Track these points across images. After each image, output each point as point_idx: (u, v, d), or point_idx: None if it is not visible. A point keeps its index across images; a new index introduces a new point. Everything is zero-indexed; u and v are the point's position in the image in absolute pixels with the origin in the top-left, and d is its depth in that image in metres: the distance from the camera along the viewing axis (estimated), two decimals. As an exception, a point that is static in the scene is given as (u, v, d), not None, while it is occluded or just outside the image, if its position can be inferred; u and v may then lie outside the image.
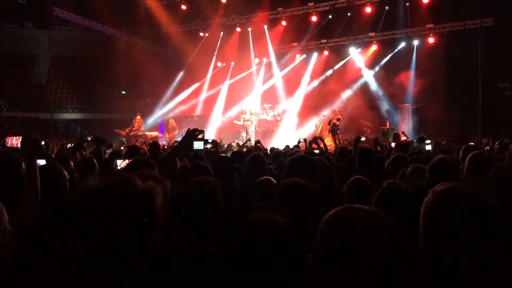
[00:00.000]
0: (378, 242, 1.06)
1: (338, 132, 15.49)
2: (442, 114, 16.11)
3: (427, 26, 17.21)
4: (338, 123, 15.46)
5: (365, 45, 18.76)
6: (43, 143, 2.85)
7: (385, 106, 18.31)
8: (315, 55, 19.92)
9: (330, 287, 1.08)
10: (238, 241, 1.52)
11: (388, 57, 18.43)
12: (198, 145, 5.63)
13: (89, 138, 5.91)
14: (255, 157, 4.27)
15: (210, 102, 21.29)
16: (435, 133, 14.35)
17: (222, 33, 20.33)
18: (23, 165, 2.32)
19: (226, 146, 11.80)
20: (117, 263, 1.14)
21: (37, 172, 2.22)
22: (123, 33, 21.27)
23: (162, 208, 1.26)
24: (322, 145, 7.10)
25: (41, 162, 3.53)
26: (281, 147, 9.95)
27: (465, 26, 15.11)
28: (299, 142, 9.52)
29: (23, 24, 23.47)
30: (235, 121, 18.89)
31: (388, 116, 17.46)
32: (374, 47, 18.70)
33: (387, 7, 17.12)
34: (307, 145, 8.22)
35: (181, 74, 21.55)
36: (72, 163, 4.44)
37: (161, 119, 21.34)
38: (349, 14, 17.88)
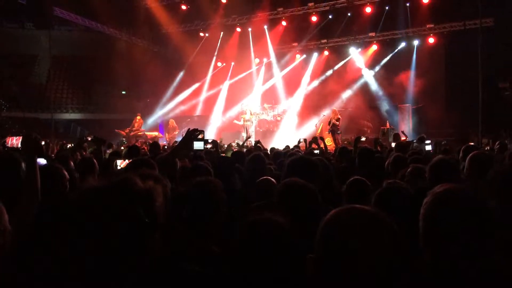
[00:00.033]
0: (378, 242, 1.06)
1: (338, 132, 15.49)
2: (442, 114, 16.10)
3: (427, 26, 17.21)
4: (338, 123, 15.46)
5: (365, 45, 18.76)
6: (43, 143, 2.84)
7: (385, 106, 18.32)
8: (315, 55, 19.93)
9: (330, 287, 1.08)
10: (238, 241, 1.52)
11: (388, 57, 18.43)
12: (198, 145, 5.62)
13: (89, 138, 5.91)
14: (255, 157, 4.27)
15: (210, 102, 21.29)
16: (435, 133, 14.36)
17: (222, 33, 20.33)
18: (23, 165, 2.32)
19: (226, 146, 11.81)
20: (117, 263, 1.14)
21: (37, 172, 2.22)
22: (123, 33, 21.27)
23: (162, 208, 1.26)
24: (322, 145, 7.10)
25: (42, 161, 3.54)
26: (281, 147, 9.95)
27: (465, 26, 15.11)
28: (299, 142, 9.52)
29: (23, 24, 23.47)
30: (235, 121, 18.89)
31: (388, 116, 17.47)
32: (374, 47, 18.70)
33: (387, 7, 17.12)
34: (307, 145, 8.22)
35: (181, 74, 21.56)
36: (72, 163, 4.44)
37: (161, 119, 21.34)
38: (349, 14, 17.88)
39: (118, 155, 6.33)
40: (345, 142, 14.50)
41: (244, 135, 17.10)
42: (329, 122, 15.68)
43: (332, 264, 1.07)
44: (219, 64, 21.70)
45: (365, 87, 18.80)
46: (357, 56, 19.03)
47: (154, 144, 8.40)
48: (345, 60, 19.32)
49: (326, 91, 18.55)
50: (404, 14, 17.04)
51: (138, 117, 18.36)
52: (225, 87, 21.40)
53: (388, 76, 18.04)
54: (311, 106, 18.83)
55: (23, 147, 2.31)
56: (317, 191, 2.18)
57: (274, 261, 1.42)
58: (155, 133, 19.19)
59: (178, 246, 1.94)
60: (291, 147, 9.42)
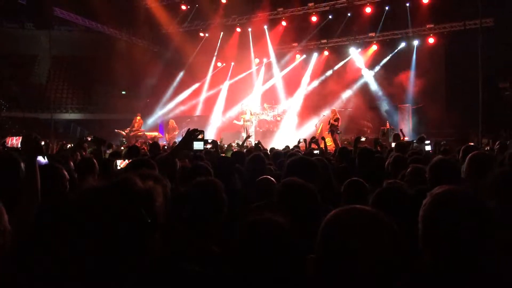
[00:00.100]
0: (378, 242, 1.06)
1: (338, 132, 15.49)
2: (442, 114, 16.10)
3: (427, 26, 17.21)
4: (336, 123, 15.45)
5: (365, 45, 18.76)
6: (43, 143, 2.84)
7: (385, 106, 18.32)
8: (315, 55, 19.93)
9: (330, 287, 1.08)
10: (238, 241, 1.52)
11: (388, 57, 18.42)
12: (198, 145, 5.62)
13: (89, 138, 5.92)
14: (255, 158, 4.27)
15: (210, 102, 21.29)
16: (435, 133, 14.36)
17: (222, 33, 20.34)
18: (22, 165, 2.32)
19: (226, 146, 11.81)
20: (117, 263, 1.14)
21: (37, 172, 2.22)
22: (123, 33, 21.28)
23: (162, 208, 1.27)
24: (322, 145, 7.10)
25: (43, 160, 3.54)
26: (281, 147, 9.95)
27: (465, 26, 15.11)
28: (299, 142, 9.52)
29: (23, 24, 23.47)
30: (235, 121, 18.89)
31: (388, 116, 17.47)
32: (374, 47, 18.70)
33: (387, 7, 17.12)
34: (307, 145, 8.22)
35: (181, 74, 21.56)
36: (72, 163, 4.44)
37: (161, 120, 21.35)
38: (349, 14, 17.88)
39: (118, 155, 6.34)
40: (345, 142, 14.49)
41: (244, 135, 17.11)
42: (329, 122, 15.70)
43: (332, 264, 1.07)
44: (219, 64, 21.70)
45: (365, 87, 18.80)
46: (357, 56, 19.03)
47: (154, 144, 8.41)
48: (345, 60, 19.31)
49: (326, 91, 18.55)
50: (404, 14, 17.04)
51: (138, 117, 18.36)
52: (225, 87, 21.40)
53: (388, 76, 18.04)
54: (311, 106, 18.83)
55: (23, 147, 2.31)
56: (316, 191, 2.18)
57: (274, 261, 1.42)
58: (155, 133, 19.20)
59: (178, 246, 1.94)
60: (291, 147, 9.42)
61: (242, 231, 1.53)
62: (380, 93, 18.45)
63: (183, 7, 19.61)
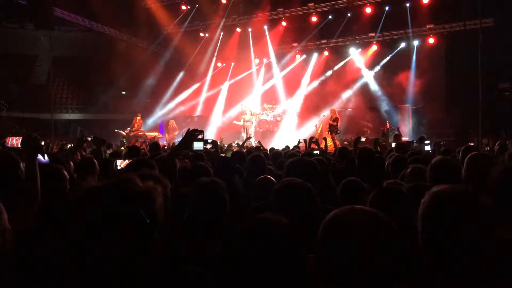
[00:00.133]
0: (379, 242, 1.06)
1: (338, 132, 15.49)
2: (442, 114, 16.10)
3: (427, 26, 17.22)
4: (335, 123, 15.45)
5: (365, 45, 18.77)
6: (43, 143, 2.84)
7: (385, 106, 18.32)
8: (315, 55, 19.93)
9: (330, 287, 1.08)
10: (238, 242, 1.52)
11: (388, 58, 18.44)
12: (197, 145, 5.63)
13: (89, 139, 5.91)
14: (255, 158, 4.27)
15: (210, 103, 21.30)
16: (435, 134, 14.36)
17: (222, 33, 20.34)
18: (22, 165, 2.32)
19: (226, 146, 11.81)
20: (117, 263, 1.14)
21: (37, 172, 2.22)
22: (123, 33, 21.28)
23: (162, 208, 1.27)
24: (322, 146, 7.10)
25: (44, 159, 3.54)
26: (281, 147, 9.95)
27: (465, 26, 15.10)
28: (299, 142, 9.52)
29: (23, 24, 23.46)
30: (235, 122, 18.91)
31: (388, 116, 17.47)
32: (374, 48, 18.70)
33: (387, 8, 17.12)
34: (307, 146, 8.22)
35: (181, 74, 21.57)
36: (72, 163, 4.44)
37: (161, 120, 21.35)
38: (349, 14, 17.89)
39: (118, 155, 6.34)
40: (345, 143, 14.49)
41: (244, 135, 17.11)
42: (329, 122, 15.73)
43: (332, 264, 1.07)
44: (219, 64, 21.71)
45: (365, 88, 18.80)
46: (357, 57, 19.04)
47: (154, 144, 8.40)
48: (345, 61, 19.32)
49: (326, 92, 18.56)
50: (404, 14, 17.04)
51: (138, 117, 18.37)
52: (225, 87, 21.41)
53: (388, 76, 18.05)
54: (311, 106, 18.83)
55: (23, 147, 2.31)
56: (314, 190, 2.18)
57: (274, 261, 1.42)
58: (155, 134, 19.20)
59: (178, 246, 1.94)
60: (291, 147, 9.42)
61: (242, 231, 1.53)
62: (380, 93, 18.46)
63: (183, 7, 19.62)
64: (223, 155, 7.16)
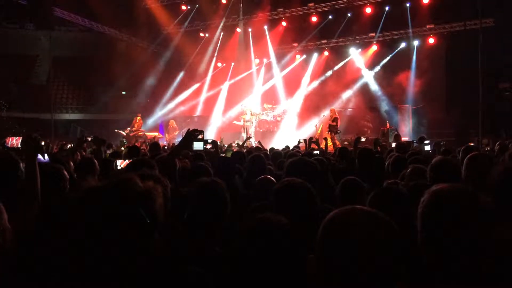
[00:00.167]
0: (379, 242, 1.06)
1: (338, 132, 15.49)
2: (442, 114, 16.11)
3: (427, 26, 17.23)
4: (334, 123, 15.45)
5: (365, 45, 18.78)
6: (43, 143, 2.84)
7: (385, 106, 18.33)
8: (315, 55, 19.94)
9: (330, 287, 1.08)
10: (238, 242, 1.52)
11: (388, 58, 18.44)
12: (197, 145, 5.63)
13: (89, 139, 5.91)
14: (255, 158, 4.27)
15: (210, 103, 21.30)
16: (435, 134, 14.37)
17: (222, 33, 20.35)
18: (22, 165, 2.32)
19: (226, 146, 11.81)
20: (117, 263, 1.14)
21: (37, 172, 2.22)
22: (123, 33, 21.29)
23: (162, 208, 1.27)
24: (322, 146, 7.10)
25: (44, 159, 3.54)
26: (281, 147, 9.95)
27: (465, 26, 15.09)
28: (299, 142, 9.52)
29: (23, 24, 23.46)
30: (235, 122, 18.90)
31: (388, 116, 17.47)
32: (374, 48, 18.71)
33: (387, 8, 17.14)
34: (307, 146, 8.22)
35: (181, 74, 21.58)
36: (72, 163, 4.44)
37: (161, 120, 21.36)
38: (349, 14, 17.90)
39: (118, 155, 6.34)
40: (345, 143, 14.49)
41: (244, 135, 17.12)
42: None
43: (332, 264, 1.07)
44: (219, 64, 21.71)
45: (365, 88, 18.81)
46: (357, 57, 19.04)
47: (154, 144, 8.40)
48: (345, 61, 19.33)
49: (326, 92, 18.56)
50: (404, 15, 17.05)
51: (138, 118, 18.37)
52: (225, 87, 21.41)
53: (388, 76, 18.05)
54: (311, 106, 18.84)
55: (23, 147, 2.31)
56: (314, 190, 2.18)
57: (274, 261, 1.42)
58: (155, 134, 19.21)
59: (178, 246, 1.94)
60: (291, 147, 9.42)
61: (242, 231, 1.53)
62: (380, 93, 18.46)
63: (183, 7, 19.63)
64: (223, 155, 7.16)
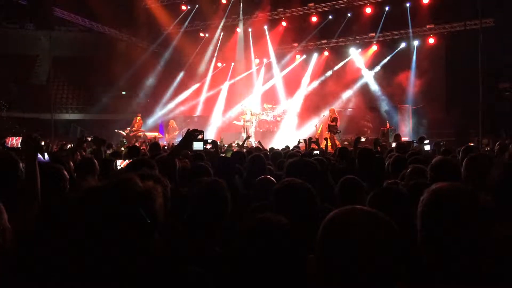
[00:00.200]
0: (379, 242, 1.06)
1: (338, 132, 15.49)
2: (442, 114, 16.11)
3: (427, 26, 17.23)
4: (334, 123, 15.45)
5: (365, 45, 18.78)
6: (43, 143, 2.85)
7: (385, 106, 18.33)
8: (315, 55, 19.94)
9: (330, 287, 1.08)
10: (238, 241, 1.52)
11: (388, 58, 18.44)
12: (197, 145, 5.63)
13: (89, 139, 5.92)
14: (255, 158, 4.27)
15: (210, 103, 21.30)
16: (435, 134, 14.37)
17: (222, 33, 20.35)
18: (22, 165, 2.32)
19: (226, 146, 11.81)
20: (117, 263, 1.14)
21: (37, 172, 2.22)
22: (123, 33, 21.29)
23: (162, 208, 1.27)
24: (322, 146, 7.10)
25: (44, 158, 3.54)
26: (281, 147, 9.95)
27: (465, 26, 15.10)
28: (299, 142, 9.53)
29: (23, 24, 23.46)
30: (235, 122, 18.90)
31: (388, 116, 17.48)
32: (374, 48, 18.71)
33: (387, 8, 17.14)
34: (307, 146, 8.22)
35: (181, 74, 21.57)
36: (72, 163, 4.44)
37: (161, 120, 21.36)
38: (349, 14, 17.90)
39: (118, 155, 6.34)
40: (345, 143, 14.50)
41: (244, 135, 17.12)
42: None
43: (332, 264, 1.07)
44: (219, 64, 21.71)
45: (365, 88, 18.81)
46: (357, 57, 19.04)
47: (154, 144, 8.40)
48: (345, 61, 19.33)
49: (326, 92, 18.57)
50: (404, 15, 17.05)
51: (138, 118, 18.37)
52: (225, 87, 21.42)
53: (388, 76, 18.06)
54: (311, 106, 18.85)
55: (23, 147, 2.31)
56: (314, 190, 2.18)
57: (274, 261, 1.42)
58: (155, 134, 19.21)
59: (178, 246, 1.94)
60: (291, 147, 9.42)
61: (242, 231, 1.53)
62: (380, 93, 18.46)
63: (183, 7, 19.63)
64: (223, 155, 7.16)
